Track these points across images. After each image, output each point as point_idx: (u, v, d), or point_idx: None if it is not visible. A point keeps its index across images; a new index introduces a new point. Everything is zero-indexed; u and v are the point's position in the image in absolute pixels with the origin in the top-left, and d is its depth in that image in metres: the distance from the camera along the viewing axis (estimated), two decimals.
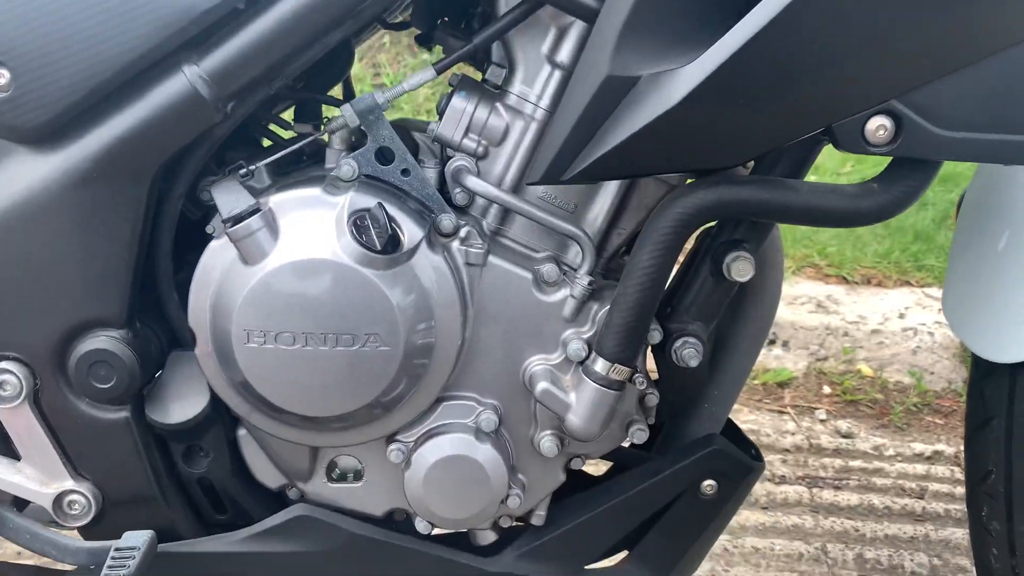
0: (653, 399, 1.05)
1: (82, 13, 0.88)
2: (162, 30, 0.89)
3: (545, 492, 1.08)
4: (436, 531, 1.14)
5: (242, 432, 1.07)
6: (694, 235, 1.04)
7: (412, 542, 1.07)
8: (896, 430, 2.31)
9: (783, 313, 2.51)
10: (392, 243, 0.93)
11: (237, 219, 0.93)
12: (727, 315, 1.15)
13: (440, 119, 1.01)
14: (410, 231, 0.95)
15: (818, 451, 2.20)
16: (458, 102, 0.99)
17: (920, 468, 2.15)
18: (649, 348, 1.06)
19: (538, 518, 1.09)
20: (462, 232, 0.99)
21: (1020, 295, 1.04)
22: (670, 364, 1.04)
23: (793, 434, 2.25)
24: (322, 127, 1.06)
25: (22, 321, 0.97)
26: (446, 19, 1.14)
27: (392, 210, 0.95)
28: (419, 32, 1.15)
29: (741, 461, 1.09)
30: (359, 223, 0.93)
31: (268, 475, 1.08)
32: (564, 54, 0.97)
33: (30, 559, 1.48)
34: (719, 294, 1.05)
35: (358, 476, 1.08)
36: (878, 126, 0.84)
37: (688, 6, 0.84)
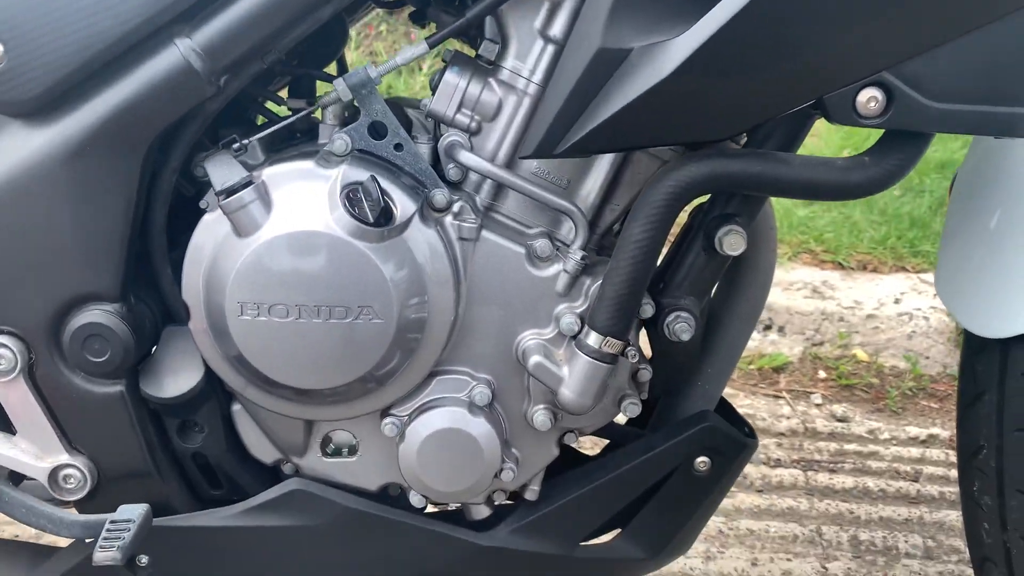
0: (646, 374, 1.05)
1: None
2: (155, 3, 0.89)
3: (538, 466, 1.08)
4: (430, 509, 1.15)
5: (237, 407, 1.07)
6: (687, 210, 1.04)
7: (406, 516, 1.08)
8: (891, 414, 2.31)
9: (779, 298, 2.52)
10: (385, 216, 0.94)
11: (230, 191, 0.94)
12: (720, 292, 1.15)
13: (433, 95, 1.01)
14: (403, 205, 0.96)
15: (813, 435, 2.21)
16: (451, 77, 0.99)
17: (915, 451, 2.16)
18: (643, 325, 1.07)
19: (532, 493, 1.10)
20: (455, 207, 0.99)
21: (1011, 272, 1.05)
22: (662, 339, 1.04)
23: (789, 418, 2.25)
24: (316, 103, 1.06)
25: (16, 295, 0.98)
26: None
27: (385, 184, 0.95)
28: (413, 9, 1.15)
29: (734, 438, 1.09)
30: (352, 196, 0.93)
31: (263, 450, 1.09)
32: (557, 28, 0.97)
33: (22, 535, 1.49)
34: (711, 268, 1.05)
35: (352, 450, 1.08)
36: (869, 98, 0.85)
37: None
